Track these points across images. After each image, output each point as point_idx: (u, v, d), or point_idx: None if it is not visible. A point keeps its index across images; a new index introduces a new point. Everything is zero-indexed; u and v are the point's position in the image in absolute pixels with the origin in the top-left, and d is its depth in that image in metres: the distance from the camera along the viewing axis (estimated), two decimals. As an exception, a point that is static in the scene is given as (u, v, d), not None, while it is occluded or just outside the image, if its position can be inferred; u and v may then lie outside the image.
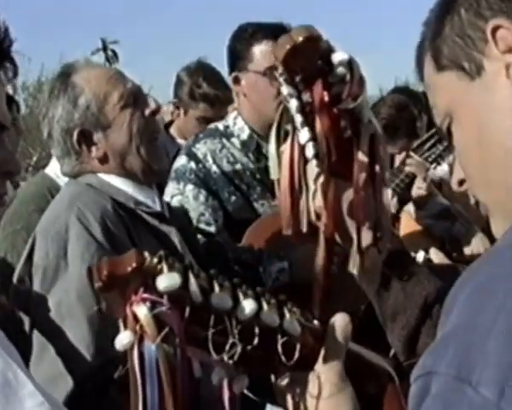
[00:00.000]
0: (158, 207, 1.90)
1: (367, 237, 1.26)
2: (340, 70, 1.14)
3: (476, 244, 2.66)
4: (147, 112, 1.88)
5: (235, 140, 2.39)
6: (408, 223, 2.70)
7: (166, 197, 2.26)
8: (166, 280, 0.77)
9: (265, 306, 0.84)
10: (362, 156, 1.19)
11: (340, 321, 0.91)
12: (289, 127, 1.19)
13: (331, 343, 0.90)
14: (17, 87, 14.51)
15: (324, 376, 0.89)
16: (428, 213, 2.69)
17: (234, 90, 2.46)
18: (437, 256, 1.87)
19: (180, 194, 2.30)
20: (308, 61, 1.12)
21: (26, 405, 1.20)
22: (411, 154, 2.63)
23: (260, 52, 2.30)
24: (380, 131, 1.24)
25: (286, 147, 1.20)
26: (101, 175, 1.87)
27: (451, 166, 3.19)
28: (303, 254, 1.98)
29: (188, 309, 0.78)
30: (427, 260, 2.09)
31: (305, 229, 1.22)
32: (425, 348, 1.31)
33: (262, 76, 2.29)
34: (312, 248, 1.27)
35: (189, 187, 2.30)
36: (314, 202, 1.22)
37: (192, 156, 2.35)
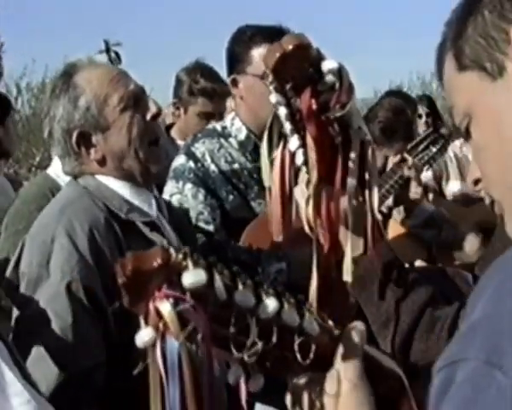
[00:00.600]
0: (153, 212, 1.90)
1: (359, 245, 1.27)
2: (330, 78, 1.15)
3: (470, 244, 2.67)
4: (148, 116, 1.86)
5: (232, 140, 2.41)
6: (396, 229, 2.71)
7: (165, 196, 2.28)
8: (192, 276, 0.77)
9: (286, 305, 0.85)
10: (352, 163, 1.21)
11: (358, 325, 0.94)
12: (280, 134, 1.21)
13: (348, 343, 0.92)
14: (21, 88, 14.52)
15: (343, 374, 0.91)
16: (415, 222, 2.70)
17: (232, 92, 2.47)
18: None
19: (179, 193, 2.31)
20: (298, 68, 1.13)
21: (13, 403, 1.24)
22: (406, 156, 2.64)
23: (259, 55, 2.29)
24: (369, 137, 1.26)
25: (277, 154, 1.21)
26: (100, 177, 1.86)
27: (435, 172, 3.21)
28: (301, 255, 2.00)
29: (210, 307, 0.78)
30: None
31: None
32: (418, 354, 1.33)
33: (260, 79, 2.29)
34: (310, 249, 1.28)
35: (188, 186, 2.32)
36: (307, 208, 1.23)
37: (191, 155, 2.37)
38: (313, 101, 1.14)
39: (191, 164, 2.35)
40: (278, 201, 1.21)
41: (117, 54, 6.80)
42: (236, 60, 2.37)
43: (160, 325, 0.77)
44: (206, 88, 3.36)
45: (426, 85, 17.26)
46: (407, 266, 1.88)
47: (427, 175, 3.19)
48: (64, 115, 1.83)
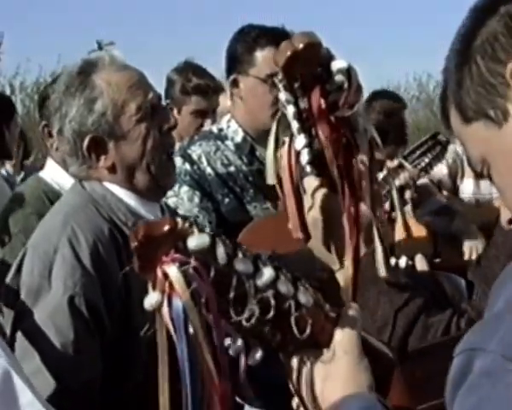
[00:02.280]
0: None
1: (361, 249, 1.27)
2: (339, 78, 1.15)
3: (474, 243, 2.69)
4: (165, 127, 1.79)
5: (229, 143, 2.40)
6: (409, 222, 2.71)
7: (162, 198, 2.27)
8: (197, 240, 0.84)
9: (282, 277, 0.90)
10: (362, 166, 1.20)
11: (353, 305, 0.99)
12: (286, 133, 1.20)
13: (346, 318, 0.96)
14: (15, 87, 14.40)
15: (337, 343, 0.94)
16: (428, 209, 2.72)
17: (229, 93, 2.45)
18: (421, 264, 1.91)
19: (175, 196, 2.29)
20: (308, 67, 1.13)
21: None
22: (403, 162, 2.65)
23: (263, 58, 2.29)
24: (377, 139, 1.26)
25: (283, 152, 1.21)
26: (106, 184, 1.79)
27: (450, 169, 3.23)
28: (294, 256, 2.00)
29: (212, 271, 0.84)
30: (411, 267, 2.12)
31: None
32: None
33: (262, 82, 2.28)
34: (304, 252, 1.28)
35: (184, 189, 2.30)
36: (309, 213, 1.22)
37: (187, 158, 2.36)
38: (322, 100, 1.14)
39: (187, 166, 2.34)
40: (292, 197, 1.20)
41: (109, 53, 6.74)
42: (238, 60, 2.36)
43: (166, 286, 0.84)
44: (199, 85, 3.33)
45: (423, 86, 17.38)
46: (402, 261, 1.89)
47: (442, 171, 3.21)
48: (77, 117, 1.75)
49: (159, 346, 0.86)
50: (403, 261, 2.04)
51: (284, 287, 0.90)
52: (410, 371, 1.09)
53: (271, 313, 0.88)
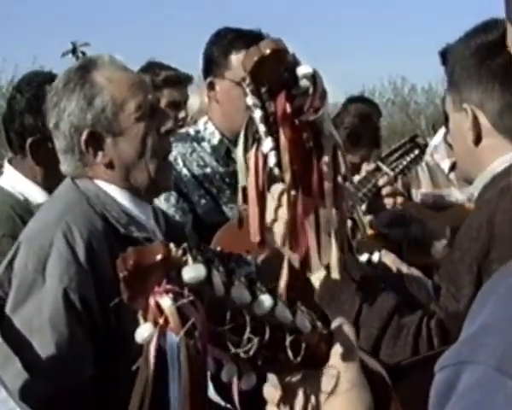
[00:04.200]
0: (150, 225, 1.84)
1: (329, 252, 1.30)
2: (304, 83, 1.19)
3: (436, 245, 2.69)
4: (162, 129, 1.80)
5: (205, 144, 2.43)
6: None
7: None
8: (192, 271, 0.77)
9: (280, 302, 0.86)
10: (325, 168, 1.24)
11: (346, 324, 0.95)
12: (255, 136, 1.24)
13: (345, 342, 0.92)
14: None
15: (343, 374, 0.91)
16: (381, 221, 2.72)
17: (206, 95, 2.49)
18: (387, 257, 1.92)
19: None
20: (274, 72, 1.16)
21: None
22: (380, 165, 2.65)
23: (238, 61, 2.31)
24: (341, 143, 1.30)
25: (251, 155, 1.25)
26: (99, 182, 1.79)
27: (402, 180, 3.23)
28: (268, 259, 2.03)
29: (206, 303, 0.79)
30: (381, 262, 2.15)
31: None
32: (385, 359, 1.37)
33: (237, 85, 2.30)
34: (277, 253, 1.32)
35: None
36: (277, 216, 1.25)
37: (163, 159, 2.38)
38: (288, 104, 1.17)
39: None
40: (255, 202, 1.23)
41: (84, 54, 6.71)
42: (215, 63, 2.39)
43: (160, 320, 0.77)
44: (169, 76, 3.31)
45: (397, 90, 17.45)
46: (375, 257, 1.92)
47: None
48: (76, 111, 1.76)
49: (141, 376, 0.81)
50: (376, 256, 2.07)
51: (282, 314, 0.85)
52: (404, 394, 1.00)
53: (266, 338, 0.83)
